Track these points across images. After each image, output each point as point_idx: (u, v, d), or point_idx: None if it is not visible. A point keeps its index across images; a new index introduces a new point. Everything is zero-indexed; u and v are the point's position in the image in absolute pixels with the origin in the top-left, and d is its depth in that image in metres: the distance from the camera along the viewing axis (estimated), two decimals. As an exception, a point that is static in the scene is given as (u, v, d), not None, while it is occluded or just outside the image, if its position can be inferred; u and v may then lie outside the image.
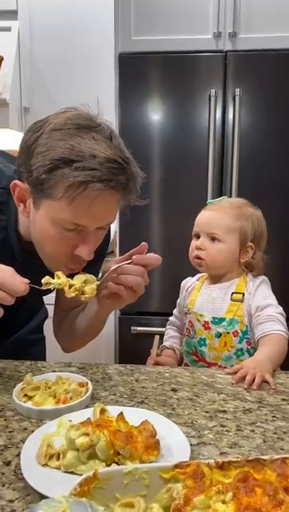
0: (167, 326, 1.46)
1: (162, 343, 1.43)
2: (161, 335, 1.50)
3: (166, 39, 2.25)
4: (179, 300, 1.43)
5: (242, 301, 1.24)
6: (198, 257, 1.28)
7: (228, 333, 1.23)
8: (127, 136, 2.12)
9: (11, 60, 2.33)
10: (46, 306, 1.43)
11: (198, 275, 1.40)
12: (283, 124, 2.17)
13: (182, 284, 1.43)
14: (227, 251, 1.26)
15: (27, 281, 0.83)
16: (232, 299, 1.25)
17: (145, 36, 2.26)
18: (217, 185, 2.21)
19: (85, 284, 0.92)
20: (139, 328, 2.32)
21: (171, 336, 1.42)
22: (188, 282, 1.41)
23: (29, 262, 0.99)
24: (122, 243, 2.30)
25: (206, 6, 2.24)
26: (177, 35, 2.25)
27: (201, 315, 1.27)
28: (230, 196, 2.16)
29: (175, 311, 1.45)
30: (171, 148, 2.23)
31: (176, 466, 0.57)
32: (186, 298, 1.38)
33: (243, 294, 1.25)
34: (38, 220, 0.90)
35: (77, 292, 0.91)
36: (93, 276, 0.94)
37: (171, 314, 2.18)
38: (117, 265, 0.93)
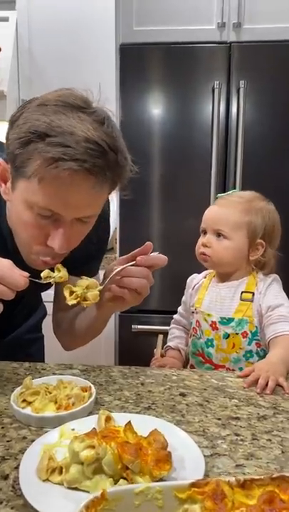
0: (172, 325, 1.40)
1: (166, 342, 1.37)
2: (163, 333, 1.45)
3: (168, 30, 2.18)
4: (184, 298, 1.36)
5: (252, 300, 1.17)
6: (204, 255, 1.21)
7: (237, 334, 1.17)
8: (128, 129, 2.07)
9: (8, 51, 2.27)
10: (45, 303, 1.37)
11: (205, 272, 1.33)
12: (288, 117, 2.11)
13: (188, 281, 1.36)
14: (234, 248, 1.19)
15: (27, 274, 0.78)
16: (241, 299, 1.18)
17: (147, 27, 2.19)
18: (220, 181, 2.15)
19: (87, 290, 0.87)
20: (139, 327, 2.26)
21: (176, 336, 1.36)
22: (194, 279, 1.35)
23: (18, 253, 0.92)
24: (122, 240, 2.24)
25: (210, -5, 2.17)
26: (180, 25, 2.18)
27: (208, 315, 1.21)
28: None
29: (180, 309, 1.39)
30: (173, 142, 2.16)
31: (193, 484, 0.51)
32: (192, 296, 1.31)
33: (253, 294, 1.18)
34: (14, 202, 0.84)
35: (78, 299, 0.86)
36: (96, 282, 0.89)
37: (171, 312, 2.12)
38: (121, 267, 0.87)
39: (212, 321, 1.20)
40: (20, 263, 0.82)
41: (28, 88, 2.30)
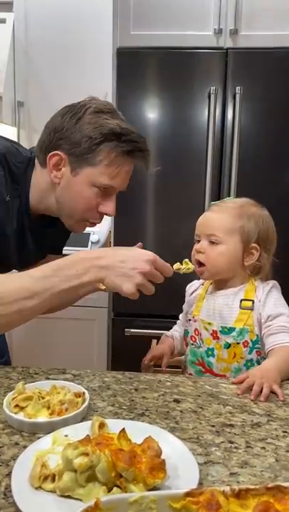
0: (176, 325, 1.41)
1: (164, 334, 1.40)
2: (158, 338, 1.44)
3: (165, 34, 2.19)
4: (184, 305, 1.35)
5: (252, 309, 1.16)
6: (199, 262, 1.19)
7: (238, 343, 1.14)
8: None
9: (5, 53, 2.26)
10: None
11: (203, 279, 1.31)
12: (283, 123, 2.12)
13: (187, 288, 1.35)
14: (228, 253, 1.17)
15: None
16: (241, 307, 1.17)
17: (144, 31, 2.20)
18: (215, 185, 2.15)
19: None
20: (133, 330, 2.26)
21: (174, 330, 1.39)
22: (192, 286, 1.34)
23: (38, 229, 1.16)
24: (116, 243, 2.24)
25: (207, 2, 2.18)
26: (177, 30, 2.19)
27: (209, 323, 1.19)
28: (229, 196, 2.10)
29: (181, 316, 1.38)
30: (168, 146, 2.17)
31: (188, 494, 0.51)
32: (190, 303, 1.30)
33: (253, 302, 1.16)
34: (74, 184, 1.07)
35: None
36: None
37: (165, 316, 2.13)
38: None
39: (213, 330, 1.18)
40: (36, 236, 1.16)
41: (24, 90, 2.29)
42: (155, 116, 2.17)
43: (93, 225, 1.15)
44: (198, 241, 1.22)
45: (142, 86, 2.16)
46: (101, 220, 1.14)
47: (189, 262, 1.06)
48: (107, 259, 0.90)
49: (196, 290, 1.31)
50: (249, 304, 1.16)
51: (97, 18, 2.22)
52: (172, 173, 2.18)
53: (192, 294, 1.31)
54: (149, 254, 0.91)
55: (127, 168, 1.07)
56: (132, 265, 0.88)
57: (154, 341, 1.42)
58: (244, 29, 2.17)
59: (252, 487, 0.52)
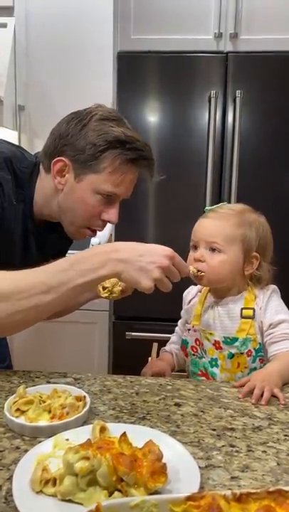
0: (174, 333, 1.37)
1: (163, 349, 1.36)
2: (158, 341, 1.43)
3: (166, 38, 2.20)
4: (182, 311, 1.32)
5: (253, 317, 1.13)
6: (198, 271, 1.14)
7: (242, 353, 1.12)
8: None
9: (6, 57, 2.27)
10: None
11: (200, 286, 1.28)
12: (284, 127, 2.12)
13: (184, 295, 1.31)
14: (230, 262, 1.13)
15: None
16: (242, 316, 1.14)
17: (145, 35, 2.21)
18: (216, 189, 2.16)
19: (113, 287, 1.11)
20: (134, 334, 2.25)
21: (172, 342, 1.34)
22: (189, 293, 1.30)
23: (41, 234, 1.16)
24: (117, 247, 2.23)
25: (208, 6, 2.19)
26: (178, 35, 2.19)
27: (210, 333, 1.16)
28: (230, 200, 2.11)
29: (179, 323, 1.34)
30: (169, 150, 2.17)
31: (189, 498, 0.50)
32: (188, 311, 1.27)
33: (254, 310, 1.14)
34: (78, 190, 1.07)
35: (109, 293, 1.11)
36: (118, 280, 1.06)
37: (165, 319, 2.13)
38: None
39: (215, 340, 1.15)
40: (38, 241, 1.16)
41: (25, 94, 2.30)
42: (156, 119, 2.18)
43: (94, 232, 1.15)
44: (195, 248, 1.17)
45: (143, 90, 2.17)
46: (103, 227, 1.14)
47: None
48: (124, 253, 0.88)
49: (193, 298, 1.27)
50: (250, 312, 1.14)
51: (98, 23, 2.23)
52: (173, 176, 2.17)
53: (190, 301, 1.28)
54: (168, 250, 0.91)
55: (131, 176, 1.08)
56: (150, 259, 0.87)
57: (155, 344, 1.41)
58: (244, 33, 2.18)
59: (253, 491, 0.51)
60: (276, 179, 2.14)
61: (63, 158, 1.06)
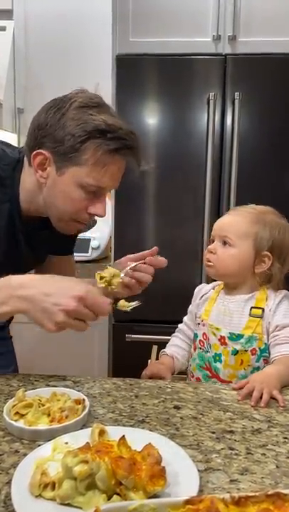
0: (175, 333, 1.36)
1: (163, 352, 1.35)
2: (158, 343, 1.43)
3: (164, 41, 2.20)
4: (190, 307, 1.33)
5: (261, 317, 1.14)
6: (208, 261, 1.20)
7: (246, 351, 1.13)
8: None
9: (5, 60, 2.28)
10: None
11: (214, 284, 1.30)
12: (283, 129, 2.12)
13: (196, 291, 1.33)
14: (239, 257, 1.16)
15: (110, 300, 0.89)
16: (251, 314, 1.15)
17: (143, 38, 2.20)
18: (215, 190, 2.16)
19: (112, 277, 1.04)
20: (134, 336, 2.25)
21: (174, 344, 1.32)
22: (202, 290, 1.31)
23: (31, 231, 1.12)
24: (116, 248, 2.24)
25: (206, 8, 2.19)
26: (176, 37, 2.19)
27: (217, 329, 1.18)
28: (229, 202, 2.11)
29: (185, 319, 1.34)
30: (168, 152, 2.17)
31: (188, 501, 0.51)
32: (199, 307, 1.28)
33: (263, 310, 1.15)
34: (60, 184, 1.01)
35: (106, 284, 1.03)
36: (119, 271, 1.04)
37: (166, 321, 2.12)
38: (134, 264, 1.07)
39: (221, 336, 1.17)
40: (27, 239, 1.11)
41: (24, 97, 2.31)
42: (155, 122, 2.18)
43: (83, 225, 1.10)
44: (212, 240, 1.22)
45: (142, 92, 2.17)
46: (88, 222, 1.10)
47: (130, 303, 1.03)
48: (30, 290, 0.84)
49: (206, 293, 1.29)
50: (259, 311, 1.15)
51: (97, 26, 2.24)
52: (172, 178, 2.18)
53: (202, 297, 1.29)
54: (80, 290, 0.83)
55: (116, 167, 1.01)
56: (55, 300, 0.82)
57: (155, 347, 1.41)
58: (242, 35, 2.18)
59: (252, 494, 0.52)
60: (275, 180, 2.14)
61: (43, 151, 1.00)
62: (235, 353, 1.14)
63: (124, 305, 1.03)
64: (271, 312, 1.14)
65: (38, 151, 1.00)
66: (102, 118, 0.96)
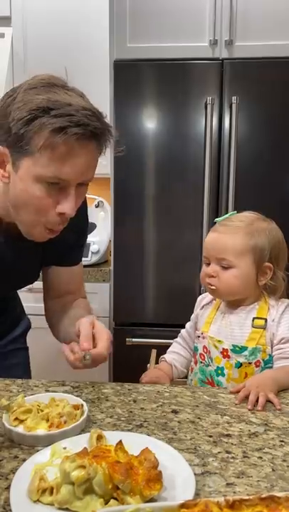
0: (176, 339, 1.34)
1: (162, 358, 1.34)
2: (157, 347, 1.43)
3: (161, 46, 2.21)
4: (192, 315, 1.30)
5: (264, 327, 1.12)
6: (210, 285, 1.15)
7: (250, 363, 1.10)
8: (122, 144, 2.08)
9: (3, 66, 2.30)
10: (29, 316, 1.41)
11: None
12: (280, 133, 2.14)
13: (198, 300, 1.30)
14: (241, 276, 1.12)
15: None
16: (253, 326, 1.12)
17: (140, 43, 2.22)
18: (214, 194, 2.17)
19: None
20: (134, 340, 2.26)
21: (174, 351, 1.30)
22: (204, 299, 1.27)
23: (8, 242, 1.02)
24: (116, 252, 2.25)
25: (202, 13, 2.21)
26: (173, 42, 2.21)
27: (219, 341, 1.15)
28: (228, 206, 2.12)
29: (188, 326, 1.31)
30: (166, 156, 2.18)
31: (182, 505, 0.51)
32: (199, 317, 1.25)
33: (266, 320, 1.12)
34: (18, 181, 0.89)
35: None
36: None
37: (166, 325, 2.14)
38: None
39: (223, 349, 1.14)
40: (7, 250, 1.00)
41: (23, 103, 2.32)
42: (153, 127, 2.20)
43: (54, 233, 0.96)
44: (207, 263, 1.17)
45: (140, 97, 2.19)
46: (63, 223, 0.95)
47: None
48: None
49: (207, 304, 1.26)
50: (262, 322, 1.12)
51: (94, 32, 2.25)
52: (171, 182, 2.19)
53: (203, 307, 1.26)
54: None
55: (75, 152, 0.85)
56: None
57: (154, 351, 1.42)
58: (239, 39, 2.19)
59: (246, 498, 0.52)
60: (274, 184, 2.15)
61: None
62: (239, 365, 1.11)
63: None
64: (275, 323, 1.12)
65: None
66: (47, 96, 0.84)
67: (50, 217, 0.91)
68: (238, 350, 1.12)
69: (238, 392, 0.96)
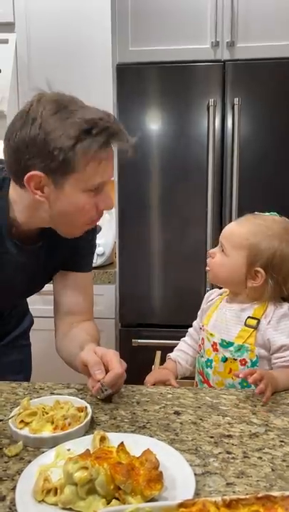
0: (184, 337, 1.36)
1: (168, 356, 1.36)
2: (163, 349, 1.45)
3: (163, 49, 2.23)
4: (199, 311, 1.33)
5: (256, 328, 1.12)
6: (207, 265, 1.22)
7: (235, 359, 1.12)
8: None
9: (8, 72, 2.32)
10: (36, 318, 1.46)
11: (222, 290, 1.29)
12: (283, 133, 2.14)
13: (206, 295, 1.32)
14: (229, 266, 1.15)
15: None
16: (245, 324, 1.14)
17: (143, 47, 2.24)
18: (217, 196, 2.18)
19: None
20: (140, 341, 2.28)
21: (180, 349, 1.33)
22: (211, 295, 1.31)
23: (19, 247, 1.09)
24: (121, 254, 2.27)
25: (204, 15, 2.22)
26: (175, 45, 2.23)
27: (211, 334, 1.19)
28: (231, 207, 2.13)
29: (195, 323, 1.34)
30: (170, 158, 2.20)
31: (181, 505, 0.53)
32: (204, 311, 1.29)
33: (259, 321, 1.13)
34: (63, 197, 0.98)
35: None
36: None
37: (172, 326, 2.15)
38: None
39: (213, 342, 1.17)
40: (17, 255, 1.08)
41: (27, 108, 2.34)
42: (156, 129, 2.21)
43: (94, 224, 1.09)
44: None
45: (142, 100, 2.20)
46: (101, 216, 1.07)
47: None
48: None
49: (212, 299, 1.29)
50: (254, 322, 1.13)
51: (97, 36, 2.27)
52: (174, 183, 2.21)
53: (208, 302, 1.29)
54: None
55: (109, 156, 0.98)
56: None
57: (158, 353, 1.43)
58: (240, 41, 2.20)
59: (242, 497, 0.54)
60: (277, 185, 2.16)
61: (35, 173, 0.95)
62: (225, 360, 1.14)
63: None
64: (270, 326, 1.11)
65: (29, 174, 0.95)
66: (78, 117, 0.92)
67: (93, 216, 1.04)
68: (225, 344, 1.15)
69: (246, 376, 0.97)
